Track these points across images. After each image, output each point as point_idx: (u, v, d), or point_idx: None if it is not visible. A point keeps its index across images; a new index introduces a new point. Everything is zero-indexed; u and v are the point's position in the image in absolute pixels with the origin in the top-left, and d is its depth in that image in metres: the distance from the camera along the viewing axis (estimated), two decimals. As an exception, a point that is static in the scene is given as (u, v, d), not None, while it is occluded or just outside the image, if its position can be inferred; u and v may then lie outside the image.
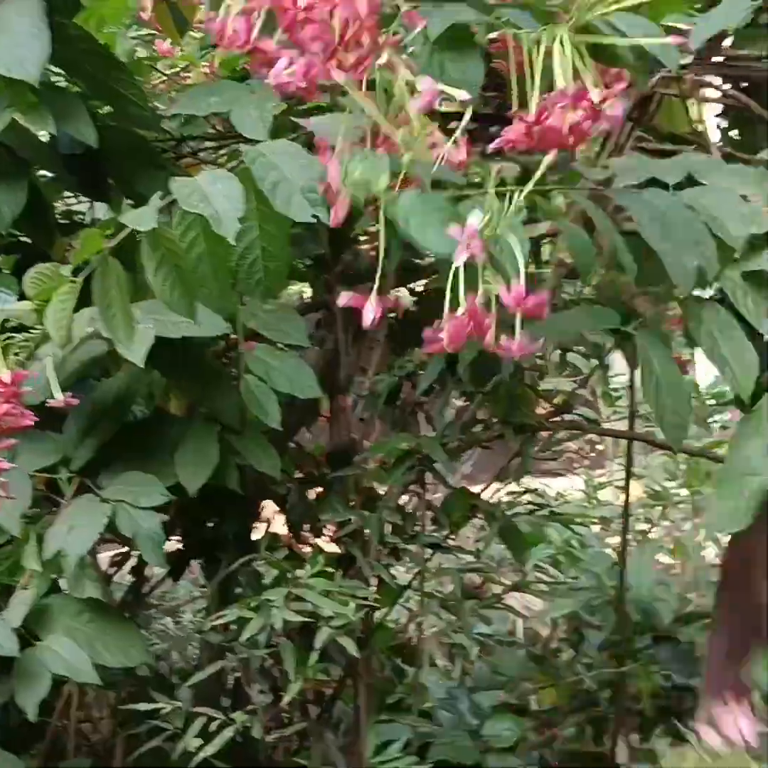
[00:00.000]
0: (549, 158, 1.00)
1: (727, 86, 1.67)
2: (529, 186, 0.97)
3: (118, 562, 1.88)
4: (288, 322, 1.63)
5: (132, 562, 1.86)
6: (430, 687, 2.23)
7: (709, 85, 1.68)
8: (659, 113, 1.67)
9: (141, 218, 1.24)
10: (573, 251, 1.19)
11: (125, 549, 1.80)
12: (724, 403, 2.70)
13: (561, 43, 1.03)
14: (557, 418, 1.67)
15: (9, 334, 1.28)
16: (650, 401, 1.25)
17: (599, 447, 3.64)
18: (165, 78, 1.91)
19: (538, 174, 0.98)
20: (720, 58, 1.59)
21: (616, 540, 3.08)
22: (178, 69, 1.90)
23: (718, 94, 1.71)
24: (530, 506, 1.93)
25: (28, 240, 1.68)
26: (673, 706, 2.11)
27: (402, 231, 1.02)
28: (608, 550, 2.70)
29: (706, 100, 1.78)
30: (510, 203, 0.97)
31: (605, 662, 2.09)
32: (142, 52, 2.02)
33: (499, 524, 1.65)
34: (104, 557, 1.87)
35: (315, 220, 1.18)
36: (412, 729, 1.78)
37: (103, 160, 1.60)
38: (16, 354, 1.28)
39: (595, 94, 1.03)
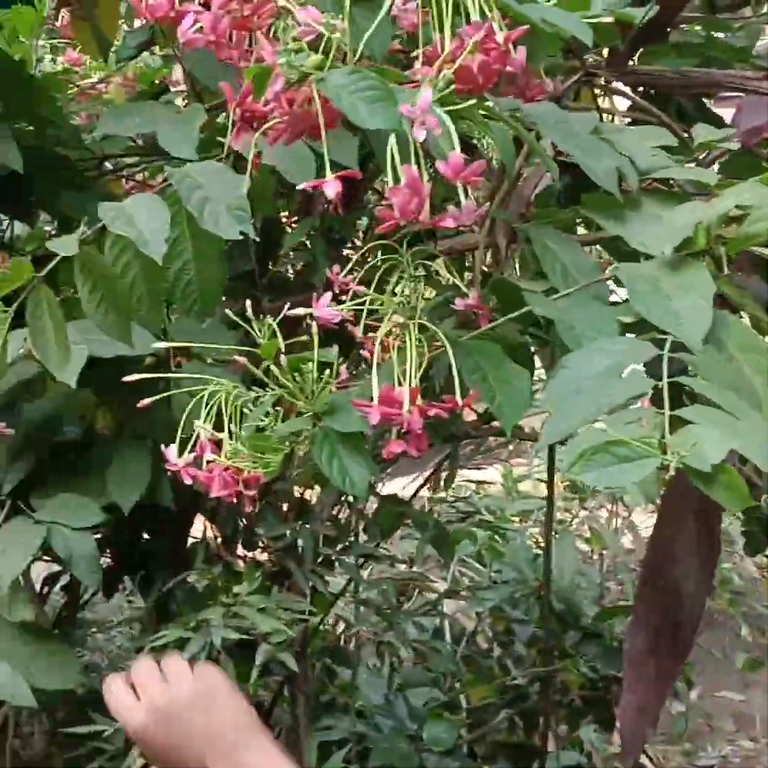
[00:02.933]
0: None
1: (634, 95, 1.69)
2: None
3: (50, 581, 1.86)
4: (217, 337, 1.62)
5: (64, 579, 1.85)
6: (361, 686, 2.26)
7: (619, 92, 1.70)
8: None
9: (65, 244, 1.23)
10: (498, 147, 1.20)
11: (58, 569, 1.79)
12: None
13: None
14: (485, 425, 1.69)
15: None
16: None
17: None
18: (80, 90, 1.89)
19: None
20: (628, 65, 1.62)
21: (536, 531, 3.14)
22: (95, 81, 1.89)
23: (626, 102, 1.74)
24: (460, 514, 1.95)
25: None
26: (601, 697, 2.16)
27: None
28: (529, 543, 2.75)
29: (611, 112, 1.80)
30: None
31: (533, 657, 2.13)
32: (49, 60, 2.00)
33: (431, 534, 1.67)
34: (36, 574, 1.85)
35: (242, 237, 1.18)
36: (350, 733, 1.80)
37: (24, 179, 1.59)
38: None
39: (500, 36, 1.07)
